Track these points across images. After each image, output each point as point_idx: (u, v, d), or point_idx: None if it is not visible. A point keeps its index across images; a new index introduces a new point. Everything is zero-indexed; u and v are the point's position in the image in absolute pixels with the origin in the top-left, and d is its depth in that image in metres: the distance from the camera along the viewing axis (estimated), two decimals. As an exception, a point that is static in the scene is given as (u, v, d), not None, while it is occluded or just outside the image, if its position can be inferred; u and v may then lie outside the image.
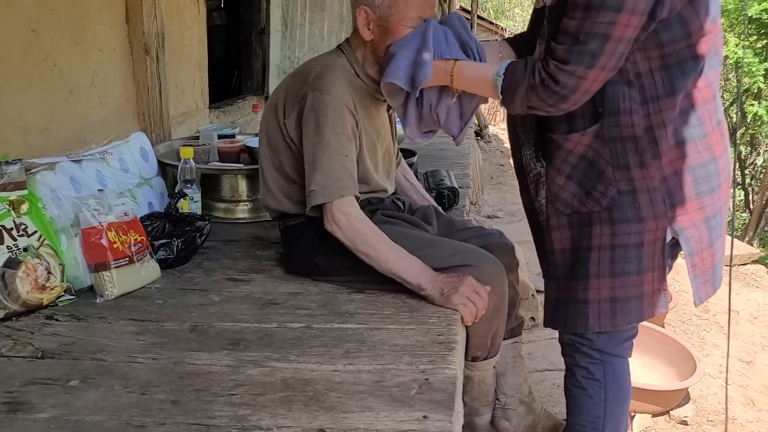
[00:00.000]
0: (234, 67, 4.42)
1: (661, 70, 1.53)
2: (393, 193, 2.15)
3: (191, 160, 2.29)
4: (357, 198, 1.83)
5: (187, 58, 3.12)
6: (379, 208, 1.98)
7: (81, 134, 2.26)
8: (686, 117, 1.57)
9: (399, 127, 2.01)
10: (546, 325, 1.82)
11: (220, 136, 2.66)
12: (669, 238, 1.63)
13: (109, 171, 2.12)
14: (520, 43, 1.89)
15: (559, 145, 1.67)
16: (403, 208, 2.09)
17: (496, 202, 6.27)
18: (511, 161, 1.95)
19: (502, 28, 17.04)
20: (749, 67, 7.88)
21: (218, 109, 3.58)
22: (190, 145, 2.53)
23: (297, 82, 1.90)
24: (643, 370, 3.29)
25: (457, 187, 2.67)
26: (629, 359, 1.86)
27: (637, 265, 1.63)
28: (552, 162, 1.70)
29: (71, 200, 1.84)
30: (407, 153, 2.88)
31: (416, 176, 2.75)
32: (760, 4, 7.84)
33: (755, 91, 8.48)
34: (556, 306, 1.77)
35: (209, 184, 2.57)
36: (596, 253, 1.65)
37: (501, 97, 1.64)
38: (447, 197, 2.63)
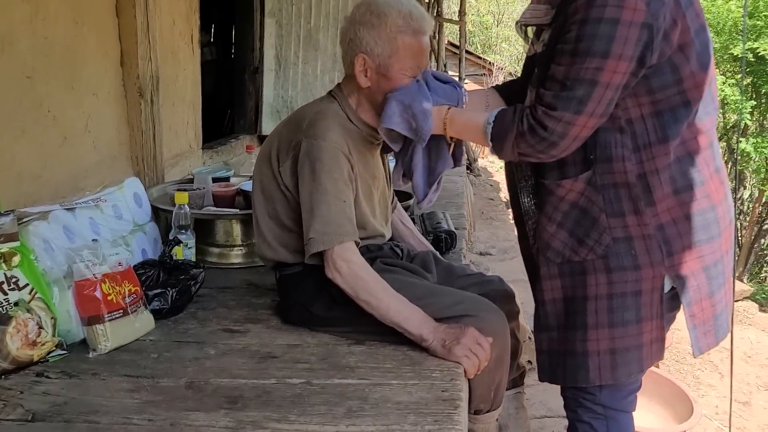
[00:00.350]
0: (226, 103, 4.41)
1: (652, 116, 1.53)
2: (390, 239, 2.12)
3: (186, 206, 2.26)
4: (357, 243, 1.81)
5: (181, 99, 3.11)
6: (378, 255, 1.95)
7: (74, 180, 2.23)
8: (682, 164, 1.56)
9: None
10: (542, 379, 1.78)
11: (214, 179, 2.64)
12: (668, 287, 1.61)
13: (103, 218, 2.08)
14: (511, 90, 1.89)
15: (551, 191, 1.65)
16: (401, 254, 2.06)
17: (489, 238, 6.25)
18: (501, 195, 1.94)
19: (489, 63, 17.25)
20: (737, 105, 7.98)
21: (211, 149, 3.56)
22: (185, 190, 2.51)
23: (290, 129, 1.89)
24: (640, 412, 3.25)
25: (453, 230, 2.65)
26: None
27: (636, 314, 1.60)
28: (543, 209, 1.68)
29: (64, 251, 1.80)
30: (403, 195, 2.85)
31: (413, 219, 2.74)
32: (745, 44, 7.97)
33: (743, 127, 8.58)
34: (552, 359, 1.72)
35: (203, 228, 2.53)
36: (593, 302, 1.62)
37: (491, 144, 1.64)
38: (444, 241, 2.60)
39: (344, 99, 1.92)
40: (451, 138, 1.80)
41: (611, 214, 1.58)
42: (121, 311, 1.77)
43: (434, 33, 10.04)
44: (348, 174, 1.83)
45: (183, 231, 2.26)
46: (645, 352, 1.62)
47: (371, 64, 1.81)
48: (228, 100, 4.38)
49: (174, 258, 2.18)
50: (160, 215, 2.42)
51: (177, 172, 3.02)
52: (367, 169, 1.93)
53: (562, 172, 1.62)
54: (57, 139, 2.14)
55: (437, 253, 2.26)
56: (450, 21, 10.09)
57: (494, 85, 2.02)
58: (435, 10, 10.96)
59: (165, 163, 2.87)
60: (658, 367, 3.94)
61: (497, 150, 1.64)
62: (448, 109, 1.76)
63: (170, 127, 3.00)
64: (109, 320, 1.74)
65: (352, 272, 1.75)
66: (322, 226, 1.77)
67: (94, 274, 1.74)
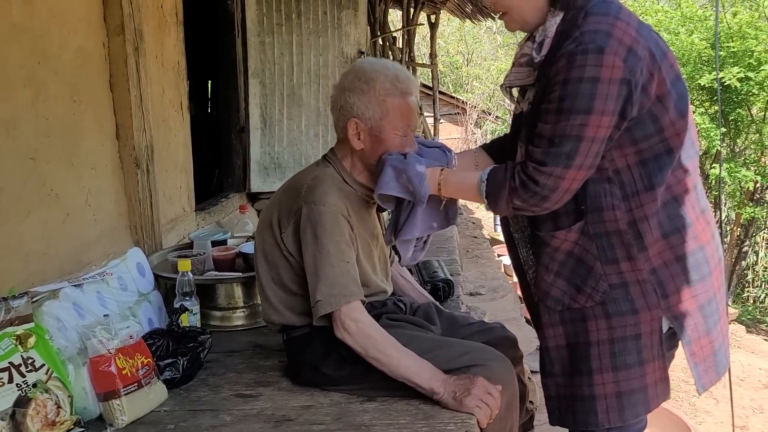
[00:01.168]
0: (211, 161, 4.47)
1: (638, 165, 1.61)
2: (392, 294, 2.17)
3: (189, 273, 2.30)
4: (363, 302, 1.86)
5: (174, 165, 3.17)
6: (383, 312, 2.01)
7: (77, 254, 2.27)
8: (669, 208, 1.64)
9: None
10: (553, 423, 1.83)
11: (213, 243, 2.68)
12: (666, 328, 1.68)
13: (109, 291, 2.12)
14: (499, 147, 1.98)
15: (545, 242, 1.72)
16: (405, 308, 2.11)
17: (477, 278, 6.30)
18: (485, 232, 2.03)
19: (462, 102, 17.53)
20: (707, 132, 8.20)
21: (204, 210, 3.61)
22: (186, 256, 2.55)
23: (289, 196, 1.95)
24: (641, 444, 3.29)
25: (450, 278, 2.71)
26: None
27: (638, 357, 1.67)
28: (540, 260, 1.75)
29: (77, 328, 1.83)
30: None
31: (409, 268, 2.79)
32: (710, 74, 8.23)
33: (713, 153, 8.80)
34: (561, 404, 1.78)
35: (204, 292, 2.56)
36: (596, 348, 1.68)
37: (486, 201, 1.72)
38: (442, 289, 2.66)
39: (339, 162, 1.99)
40: (445, 198, 1.89)
41: (606, 262, 1.65)
42: (136, 384, 1.80)
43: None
44: (349, 235, 1.89)
45: (187, 298, 2.30)
46: (651, 392, 1.67)
47: (363, 127, 1.90)
48: (215, 159, 4.44)
49: (181, 325, 2.21)
50: (160, 282, 2.45)
51: (173, 237, 3.06)
52: (365, 229, 2.00)
53: (555, 224, 1.70)
54: (60, 216, 2.19)
55: (438, 304, 2.31)
56: (422, 65, 10.29)
57: (481, 144, 2.11)
58: (407, 55, 11.20)
59: (162, 229, 2.91)
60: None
61: (492, 206, 1.71)
62: (441, 170, 1.85)
63: (164, 193, 3.05)
64: (125, 394, 1.76)
65: (361, 331, 1.80)
66: (328, 288, 1.82)
67: (108, 350, 1.77)
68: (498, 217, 1.92)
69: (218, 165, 4.40)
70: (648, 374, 1.66)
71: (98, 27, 2.48)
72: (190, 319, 2.28)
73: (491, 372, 1.81)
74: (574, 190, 1.61)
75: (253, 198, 4.34)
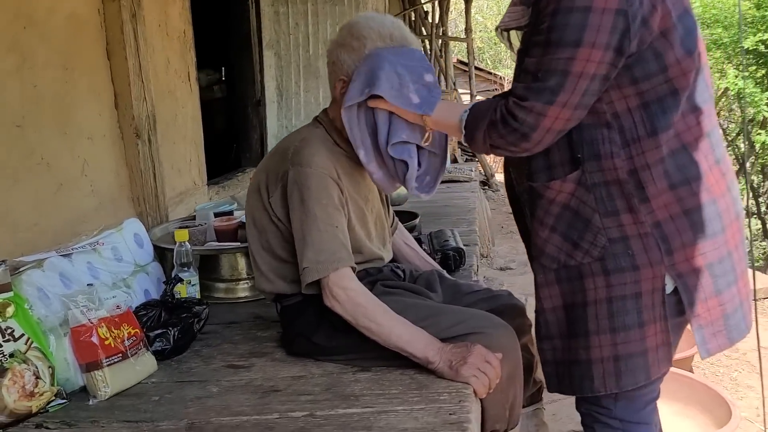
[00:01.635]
0: (231, 137, 4.42)
1: (639, 108, 1.47)
2: (391, 261, 2.07)
3: (186, 243, 2.24)
4: (354, 269, 1.77)
5: (182, 137, 3.11)
6: (378, 278, 1.91)
7: (72, 226, 2.22)
8: (677, 157, 1.49)
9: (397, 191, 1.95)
10: (551, 390, 1.71)
11: (217, 214, 2.61)
12: (670, 288, 1.53)
13: (102, 262, 2.06)
14: None
15: (539, 194, 1.59)
16: (403, 276, 2.01)
17: (508, 252, 6.16)
18: None
19: (500, 77, 17.21)
20: (752, 97, 7.82)
21: (217, 184, 3.55)
22: (186, 227, 2.49)
23: (276, 159, 1.86)
24: (676, 418, 3.14)
25: (462, 247, 2.59)
26: (658, 418, 1.75)
27: (638, 318, 1.52)
28: (535, 214, 1.62)
29: (60, 298, 1.77)
30: (408, 215, 2.82)
31: (420, 238, 2.69)
32: (755, 35, 7.84)
33: (761, 120, 8.41)
34: (558, 369, 1.65)
35: (208, 264, 2.51)
36: (593, 308, 1.55)
37: (464, 132, 1.59)
38: (453, 258, 2.55)
39: (329, 123, 1.89)
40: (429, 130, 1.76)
41: (604, 214, 1.51)
42: (120, 355, 1.74)
43: (441, 51, 10.06)
44: (338, 199, 1.79)
45: (185, 269, 2.23)
46: (651, 357, 1.53)
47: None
48: (232, 134, 4.39)
49: (177, 296, 2.15)
50: (165, 255, 2.40)
51: (182, 210, 3.01)
52: (358, 192, 1.90)
53: (550, 174, 1.57)
54: (52, 186, 2.14)
55: (443, 272, 2.21)
56: (456, 39, 10.09)
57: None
58: (440, 30, 11.00)
59: (169, 202, 2.85)
60: (691, 370, 3.82)
61: (469, 139, 1.59)
62: None
63: (172, 165, 2.99)
64: (108, 365, 1.70)
65: (351, 299, 1.71)
66: (315, 254, 1.73)
67: (89, 320, 1.71)
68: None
69: (235, 140, 4.34)
70: (648, 337, 1.52)
71: (92, -7, 2.42)
72: (188, 290, 2.22)
73: (491, 340, 1.70)
74: (557, 132, 1.48)
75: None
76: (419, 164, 1.82)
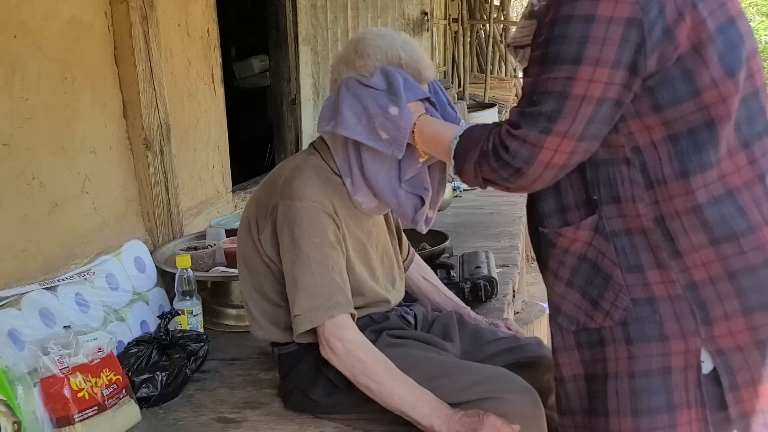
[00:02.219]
0: (266, 137, 4.25)
1: (666, 142, 1.19)
2: (406, 299, 1.85)
3: (189, 270, 2.06)
4: (353, 316, 1.56)
5: (204, 143, 2.94)
6: (383, 327, 1.69)
7: (69, 248, 2.06)
8: (721, 206, 1.20)
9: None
10: None
11: (230, 232, 2.43)
12: (709, 367, 1.23)
13: (93, 293, 1.91)
14: None
15: (552, 242, 1.34)
16: (414, 322, 1.78)
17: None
18: None
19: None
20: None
21: (245, 190, 3.37)
22: (194, 248, 2.32)
23: (266, 191, 1.67)
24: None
25: (495, 276, 2.34)
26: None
27: (666, 400, 1.23)
28: (548, 265, 1.36)
29: (37, 341, 1.62)
30: (439, 237, 2.57)
31: (450, 263, 2.45)
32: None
33: None
34: None
35: (218, 288, 2.34)
36: (613, 382, 1.27)
37: (453, 162, 1.35)
38: (483, 288, 2.30)
39: (326, 149, 1.67)
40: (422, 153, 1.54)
41: (627, 269, 1.24)
42: (96, 407, 1.58)
43: (501, 36, 9.68)
44: (334, 236, 1.58)
45: (187, 297, 2.06)
46: None
47: None
48: (269, 134, 4.21)
49: (178, 326, 1.99)
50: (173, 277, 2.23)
51: (202, 221, 2.84)
52: (359, 226, 1.68)
53: (562, 218, 1.31)
54: (44, 207, 1.98)
55: (464, 312, 1.97)
56: (515, 24, 9.69)
57: None
58: (501, 15, 10.59)
59: (185, 214, 2.69)
60: None
61: (458, 170, 1.34)
62: (421, 115, 1.51)
63: (192, 174, 2.83)
64: (81, 420, 1.55)
65: (349, 352, 1.51)
66: (308, 299, 1.53)
67: (61, 369, 1.55)
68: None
69: (271, 140, 4.16)
70: (680, 425, 1.24)
71: (98, -6, 2.25)
72: (190, 322, 2.05)
73: (509, 407, 1.48)
74: (560, 166, 1.21)
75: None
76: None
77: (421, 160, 1.54)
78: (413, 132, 1.49)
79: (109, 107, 2.29)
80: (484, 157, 1.25)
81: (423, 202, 1.61)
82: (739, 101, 1.19)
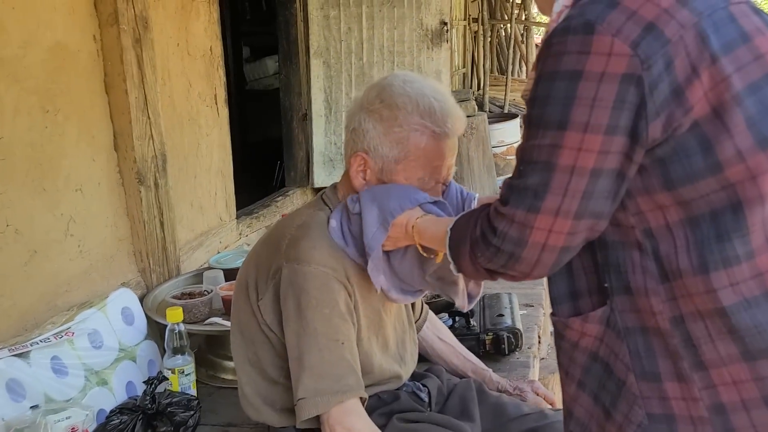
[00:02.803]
0: (276, 154, 4.06)
1: (684, 226, 0.97)
2: (414, 372, 1.64)
3: (180, 325, 1.86)
4: (363, 400, 1.35)
5: (206, 169, 2.74)
6: (394, 409, 1.49)
7: (50, 299, 1.88)
8: (755, 311, 0.96)
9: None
10: None
11: (229, 275, 2.22)
12: None
13: (73, 354, 1.72)
14: None
15: (560, 333, 1.12)
16: (429, 399, 1.57)
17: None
18: None
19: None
20: None
21: (251, 215, 3.18)
22: (189, 294, 2.12)
23: (268, 250, 1.45)
24: None
25: (519, 327, 2.12)
26: None
27: None
28: (559, 359, 1.15)
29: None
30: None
31: (468, 313, 2.24)
32: None
33: None
34: None
35: (215, 338, 2.14)
36: None
37: (450, 262, 1.14)
38: (507, 341, 2.08)
39: (338, 203, 1.47)
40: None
41: (642, 376, 1.02)
42: (64, 503, 1.38)
43: (522, 36, 9.43)
44: (345, 305, 1.38)
45: (178, 354, 1.86)
46: None
47: (372, 165, 1.38)
48: (278, 150, 4.01)
49: (166, 390, 1.79)
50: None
51: (203, 254, 2.65)
52: (373, 290, 1.46)
53: (573, 306, 1.09)
54: (21, 256, 1.80)
55: (485, 376, 1.76)
56: (539, 24, 9.42)
57: None
58: (523, 14, 10.33)
59: (183, 249, 2.50)
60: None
61: (457, 266, 1.13)
62: (417, 218, 1.32)
63: (192, 203, 2.64)
64: None
65: None
66: (314, 381, 1.33)
67: (23, 461, 1.36)
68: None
69: (281, 157, 3.96)
70: None
71: (86, 17, 2.06)
72: (181, 383, 1.85)
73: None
74: (560, 248, 0.98)
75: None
76: None
77: (438, 260, 1.35)
78: (412, 229, 1.31)
79: (97, 139, 2.10)
80: (475, 245, 1.05)
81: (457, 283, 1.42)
82: None
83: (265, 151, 4.46)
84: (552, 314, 1.14)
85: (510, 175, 1.04)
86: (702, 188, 0.95)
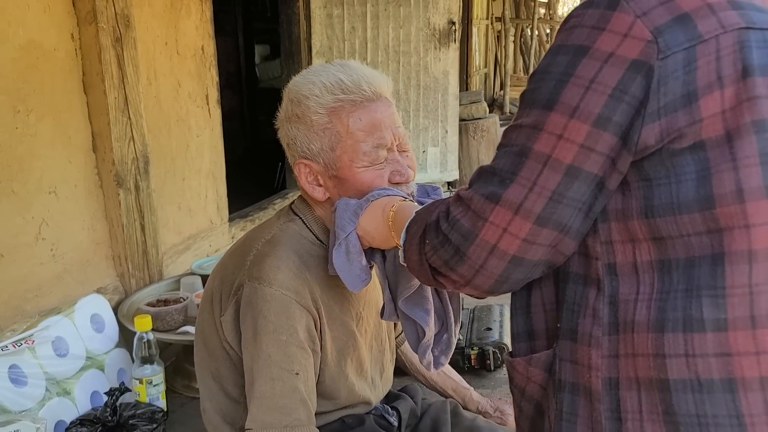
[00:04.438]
0: (276, 156, 3.99)
1: (653, 268, 0.81)
2: (387, 397, 1.54)
3: (149, 333, 1.80)
4: None
5: (196, 171, 2.68)
6: (358, 436, 1.39)
7: (16, 304, 1.83)
8: (703, 396, 0.78)
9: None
10: None
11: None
12: None
13: (34, 363, 1.66)
14: None
15: (510, 376, 0.97)
16: (399, 423, 1.48)
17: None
18: None
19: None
20: None
21: (245, 218, 3.11)
22: (164, 300, 2.06)
23: (234, 264, 1.35)
24: None
25: (505, 342, 2.03)
26: None
27: None
28: (513, 404, 0.99)
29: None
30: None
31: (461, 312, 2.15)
32: None
33: None
34: None
35: (192, 348, 2.07)
36: None
37: (401, 243, 1.00)
38: (492, 356, 2.00)
39: (310, 213, 1.37)
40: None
41: None
42: None
43: (547, 37, 9.26)
44: (306, 332, 1.27)
45: (147, 364, 1.80)
46: None
47: (316, 168, 1.27)
48: (278, 152, 3.94)
49: (134, 401, 1.73)
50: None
51: (190, 256, 2.59)
52: (346, 309, 1.36)
53: (528, 346, 0.93)
54: (-15, 261, 1.75)
55: (465, 395, 1.67)
56: (562, 24, 9.27)
57: None
58: (549, 13, 10.18)
59: (169, 252, 2.44)
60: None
61: (404, 252, 0.99)
62: (398, 202, 1.17)
63: (180, 206, 2.58)
64: None
65: None
66: (262, 413, 1.23)
67: (-39, 478, 1.30)
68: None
69: (281, 158, 3.88)
70: None
71: (63, 15, 2.00)
72: (149, 392, 1.79)
73: None
74: (511, 259, 0.83)
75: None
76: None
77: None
78: (390, 225, 1.14)
79: (74, 140, 2.05)
80: (427, 230, 0.91)
81: (424, 331, 1.30)
82: None
83: (276, 149, 4.40)
84: (506, 354, 1.02)
85: None
86: (684, 225, 0.78)
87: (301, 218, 1.36)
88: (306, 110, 1.23)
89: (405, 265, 1.01)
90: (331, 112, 1.23)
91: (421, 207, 1.06)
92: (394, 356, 1.59)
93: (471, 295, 0.94)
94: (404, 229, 0.99)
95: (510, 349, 0.98)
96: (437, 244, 0.88)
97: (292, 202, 1.42)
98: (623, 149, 0.78)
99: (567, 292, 0.86)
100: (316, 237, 1.34)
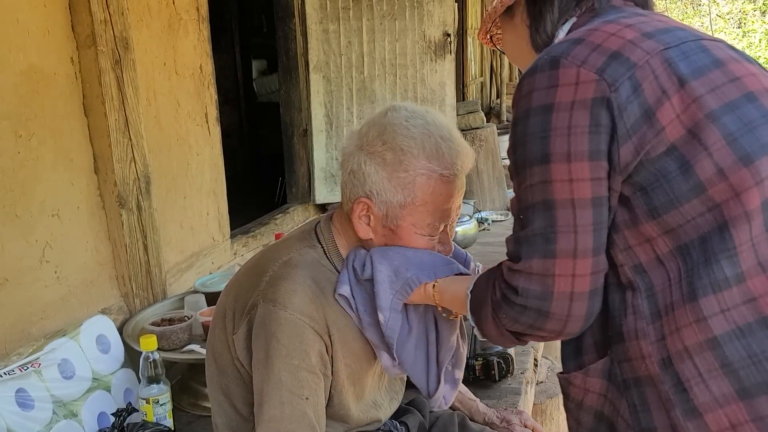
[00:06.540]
0: (277, 170, 4.02)
1: (675, 257, 0.93)
2: (396, 412, 1.55)
3: (155, 353, 1.81)
4: None
5: (197, 189, 2.70)
6: (365, 456, 1.40)
7: (22, 327, 1.84)
8: (748, 340, 0.89)
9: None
10: None
11: (212, 299, 2.17)
12: None
13: (41, 386, 1.67)
14: None
15: (565, 392, 1.07)
16: (407, 436, 1.49)
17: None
18: None
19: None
20: None
21: (246, 234, 3.12)
22: (168, 320, 2.07)
23: (249, 282, 1.36)
24: None
25: (510, 352, 2.03)
26: None
27: None
28: (568, 423, 1.10)
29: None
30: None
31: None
32: None
33: None
34: None
35: (197, 366, 2.08)
36: None
37: (473, 327, 1.09)
38: (497, 367, 2.00)
39: (332, 241, 1.37)
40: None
41: None
42: None
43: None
44: (319, 357, 1.28)
45: (153, 384, 1.81)
46: None
47: (376, 211, 1.29)
48: (278, 167, 3.97)
49: (142, 421, 1.74)
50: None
51: (193, 275, 2.60)
52: (359, 337, 1.37)
53: (577, 360, 1.04)
54: (-11, 285, 1.76)
55: (472, 407, 1.69)
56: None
57: None
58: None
59: (172, 271, 2.46)
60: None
61: (481, 330, 1.07)
62: (436, 281, 1.28)
63: (182, 224, 2.59)
64: None
65: None
66: None
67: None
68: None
69: (282, 173, 3.91)
70: None
71: (63, 39, 2.02)
72: (156, 412, 1.79)
73: None
74: (590, 294, 0.94)
75: (322, 210, 3.82)
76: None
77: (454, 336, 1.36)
78: (437, 302, 1.27)
79: (76, 163, 2.06)
80: (498, 308, 1.00)
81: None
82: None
83: (276, 164, 4.42)
84: (559, 372, 1.09)
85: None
86: (687, 212, 0.91)
87: (323, 247, 1.37)
88: (396, 162, 1.25)
89: (483, 337, 1.10)
90: (419, 176, 1.25)
91: (466, 281, 1.15)
92: (405, 381, 1.60)
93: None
94: (469, 313, 1.09)
95: (561, 371, 1.09)
96: (515, 315, 0.97)
97: (317, 225, 1.42)
98: (611, 170, 0.93)
99: (608, 304, 0.98)
100: (334, 267, 1.36)
